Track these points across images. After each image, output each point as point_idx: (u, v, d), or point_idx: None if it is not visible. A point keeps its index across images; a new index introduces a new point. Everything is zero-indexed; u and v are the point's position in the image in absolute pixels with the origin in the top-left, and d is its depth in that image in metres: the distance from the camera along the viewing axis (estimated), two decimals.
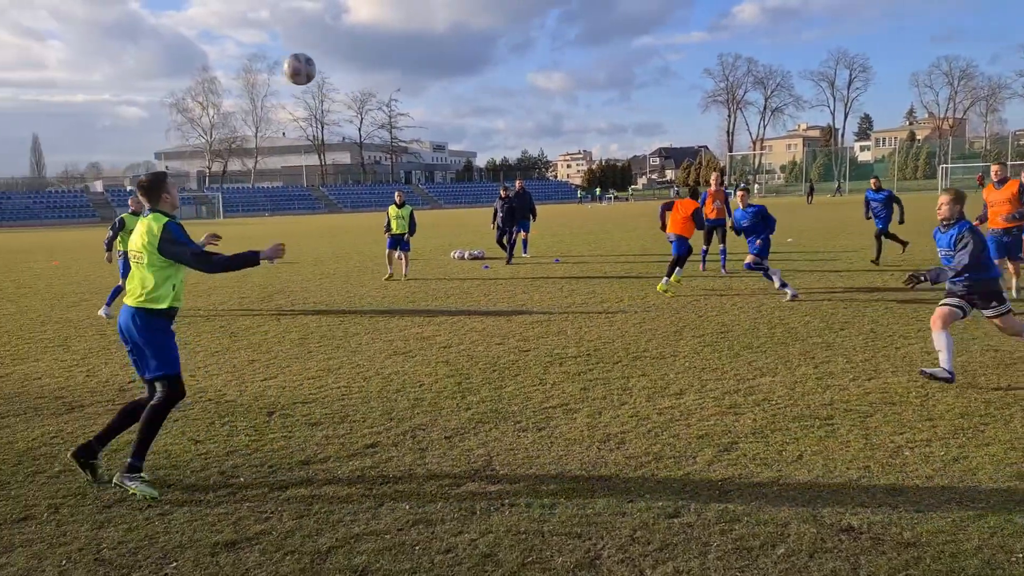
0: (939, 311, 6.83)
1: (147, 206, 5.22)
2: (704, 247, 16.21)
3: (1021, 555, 3.81)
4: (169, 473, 5.29)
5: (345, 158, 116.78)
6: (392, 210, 16.31)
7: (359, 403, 6.87)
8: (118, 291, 12.19)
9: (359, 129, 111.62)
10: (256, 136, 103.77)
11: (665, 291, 12.58)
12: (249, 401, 7.04)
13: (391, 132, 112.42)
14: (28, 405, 7.12)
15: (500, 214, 19.28)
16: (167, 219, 5.09)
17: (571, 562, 3.92)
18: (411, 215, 16.36)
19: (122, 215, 12.55)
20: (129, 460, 4.99)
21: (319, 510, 4.62)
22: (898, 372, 7.31)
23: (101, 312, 12.25)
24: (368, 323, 10.99)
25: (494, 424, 6.16)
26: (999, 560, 3.77)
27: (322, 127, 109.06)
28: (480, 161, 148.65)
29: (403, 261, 16.39)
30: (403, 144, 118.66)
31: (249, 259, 5.17)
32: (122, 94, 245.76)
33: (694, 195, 13.88)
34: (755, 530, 4.19)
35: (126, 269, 12.12)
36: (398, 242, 16.27)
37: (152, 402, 5.06)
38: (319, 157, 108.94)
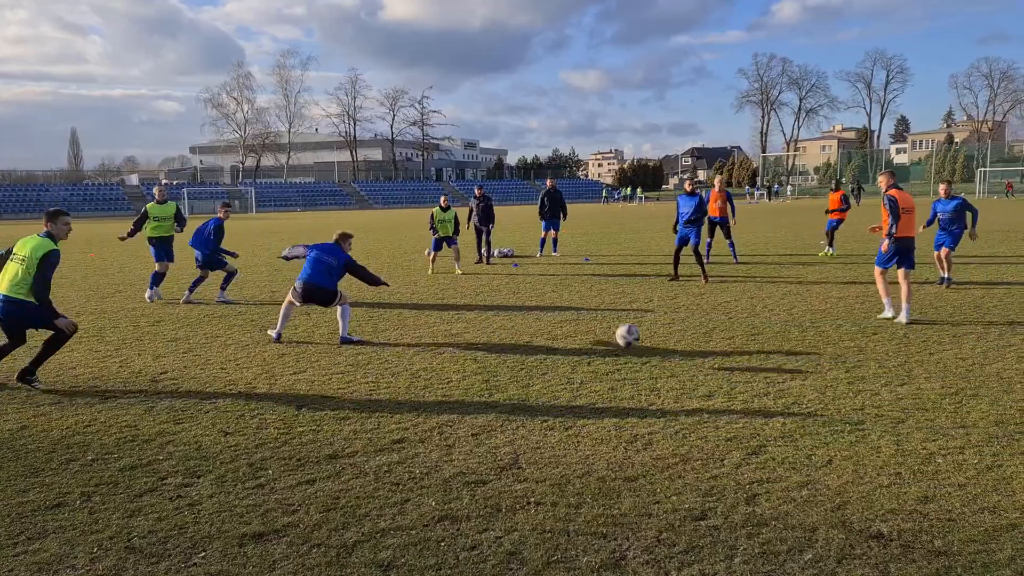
0: None
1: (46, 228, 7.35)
2: (708, 240, 17.62)
3: None
4: (199, 464, 5.36)
5: (377, 154, 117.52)
6: (437, 213, 16.91)
7: (387, 399, 6.91)
8: (156, 276, 13.12)
9: (391, 126, 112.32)
10: (289, 132, 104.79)
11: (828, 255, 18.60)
12: (279, 394, 7.12)
13: (423, 129, 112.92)
14: (63, 394, 7.26)
15: (476, 215, 18.72)
16: (55, 247, 7.27)
17: (596, 562, 3.91)
18: (455, 218, 17.02)
19: (146, 206, 13.06)
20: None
21: (346, 504, 4.66)
22: (931, 378, 7.19)
23: (147, 295, 13.17)
24: (397, 319, 11.05)
25: (521, 422, 6.16)
26: None
27: (354, 123, 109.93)
28: (511, 159, 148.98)
29: (454, 255, 17.01)
30: (435, 141, 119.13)
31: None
32: (159, 89, 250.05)
33: (837, 187, 19.81)
34: (783, 535, 4.15)
35: (158, 254, 12.73)
36: (442, 243, 16.92)
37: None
38: (351, 153, 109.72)
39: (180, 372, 8.07)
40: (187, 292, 13.02)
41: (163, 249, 13.13)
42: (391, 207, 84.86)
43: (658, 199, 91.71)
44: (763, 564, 3.85)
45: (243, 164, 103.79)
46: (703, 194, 15.43)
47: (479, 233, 18.77)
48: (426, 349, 8.97)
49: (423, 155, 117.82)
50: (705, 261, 16.50)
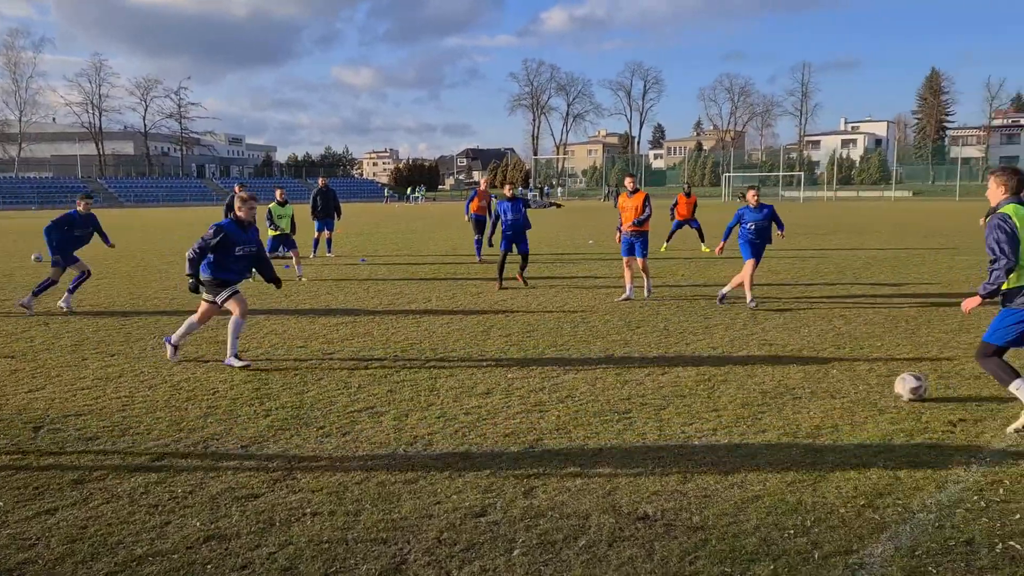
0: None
1: None
2: (477, 237, 18.55)
3: (792, 531, 4.15)
4: None
5: (128, 148, 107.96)
6: (275, 208, 15.71)
7: (143, 414, 6.32)
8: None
9: (144, 118, 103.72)
10: (20, 121, 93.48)
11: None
12: (10, 416, 6.27)
13: (181, 122, 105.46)
14: None
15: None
16: None
17: (376, 569, 3.80)
18: (292, 215, 15.97)
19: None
20: None
21: (95, 532, 4.17)
22: (688, 367, 7.80)
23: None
24: (154, 327, 10.18)
25: (295, 430, 5.89)
26: (774, 537, 4.09)
27: (100, 114, 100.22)
28: (281, 156, 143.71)
29: (294, 259, 15.74)
30: (195, 136, 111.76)
31: None
32: None
33: (688, 193, 20.99)
34: (558, 524, 4.27)
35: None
36: (280, 242, 15.66)
37: None
38: (97, 146, 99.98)
39: None
40: (30, 296, 11.43)
41: None
42: (145, 205, 78.56)
43: (435, 199, 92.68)
44: (541, 554, 3.94)
45: None
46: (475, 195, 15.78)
47: None
48: (188, 358, 8.33)
49: (182, 150, 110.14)
50: (477, 260, 17.32)
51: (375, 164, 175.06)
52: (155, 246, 23.79)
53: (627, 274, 12.35)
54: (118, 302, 12.29)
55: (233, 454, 5.38)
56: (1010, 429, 5.73)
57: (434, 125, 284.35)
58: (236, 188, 18.22)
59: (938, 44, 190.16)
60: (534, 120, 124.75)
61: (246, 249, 7.84)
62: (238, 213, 7.95)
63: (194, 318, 7.98)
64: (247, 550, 3.99)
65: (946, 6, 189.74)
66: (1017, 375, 5.67)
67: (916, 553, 3.89)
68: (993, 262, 5.53)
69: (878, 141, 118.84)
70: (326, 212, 19.60)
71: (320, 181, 20.26)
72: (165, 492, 4.73)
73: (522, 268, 14.02)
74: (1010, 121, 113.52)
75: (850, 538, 4.07)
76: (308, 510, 4.47)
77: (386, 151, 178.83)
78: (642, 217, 11.82)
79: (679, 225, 20.96)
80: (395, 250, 22.21)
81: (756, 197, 11.77)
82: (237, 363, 7.77)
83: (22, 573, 3.76)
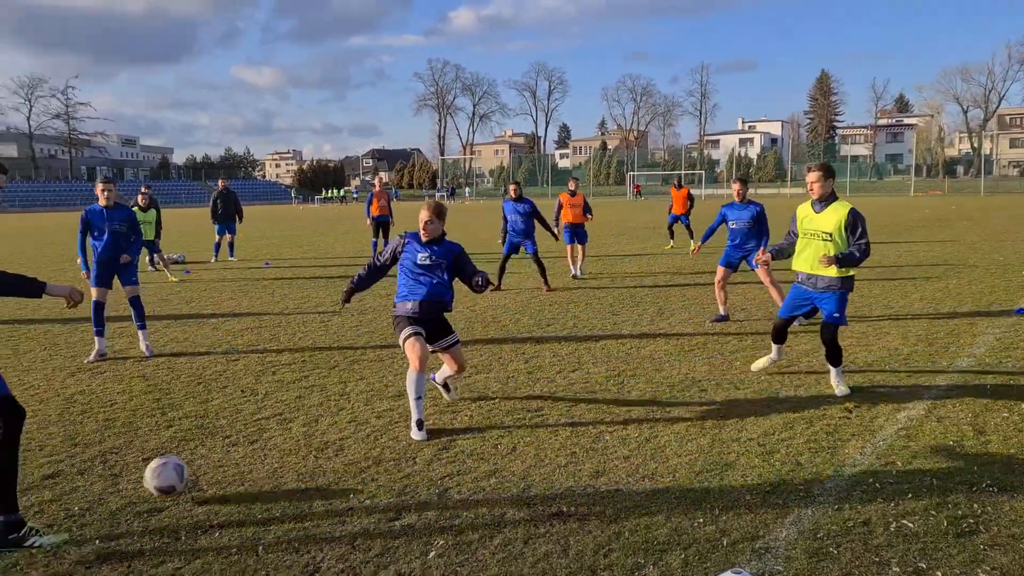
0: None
1: None
2: (374, 239, 18.80)
3: (701, 520, 4.26)
4: None
5: (11, 150, 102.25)
6: (137, 214, 14.89)
7: (34, 429, 5.97)
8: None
9: (28, 118, 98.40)
10: None
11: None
12: None
13: (69, 123, 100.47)
14: None
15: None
16: None
17: None
18: (158, 218, 15.63)
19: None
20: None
21: None
22: (598, 363, 7.92)
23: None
24: (44, 337, 9.66)
25: (200, 441, 5.69)
26: (684, 526, 4.19)
27: None
28: (178, 158, 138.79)
29: (161, 263, 15.69)
30: (84, 137, 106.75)
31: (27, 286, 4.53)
32: None
33: (679, 185, 20.90)
34: (473, 524, 4.27)
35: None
36: (146, 246, 15.41)
37: None
38: None
39: None
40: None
41: None
42: (30, 210, 74.59)
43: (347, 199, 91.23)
44: (456, 555, 3.92)
45: None
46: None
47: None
48: (83, 370, 7.94)
49: (71, 152, 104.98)
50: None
51: (278, 165, 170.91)
52: (43, 253, 22.57)
53: (570, 258, 14.94)
54: (3, 312, 11.59)
55: (134, 467, 5.16)
56: (755, 367, 7.23)
57: (340, 126, 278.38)
58: (143, 190, 17.70)
59: (828, 46, 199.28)
60: (440, 120, 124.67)
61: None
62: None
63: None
64: (150, 567, 3.83)
65: (836, 8, 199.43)
66: (782, 340, 7.09)
67: (818, 535, 4.06)
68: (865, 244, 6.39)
69: (773, 140, 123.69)
70: (227, 215, 19.06)
71: (220, 183, 19.70)
72: (61, 510, 4.49)
73: (543, 274, 13.12)
74: (894, 120, 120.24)
75: (756, 524, 4.21)
76: (216, 522, 4.32)
77: (289, 152, 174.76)
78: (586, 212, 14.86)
79: (675, 219, 20.55)
80: (301, 253, 21.74)
81: (740, 191, 9.61)
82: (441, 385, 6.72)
83: None
